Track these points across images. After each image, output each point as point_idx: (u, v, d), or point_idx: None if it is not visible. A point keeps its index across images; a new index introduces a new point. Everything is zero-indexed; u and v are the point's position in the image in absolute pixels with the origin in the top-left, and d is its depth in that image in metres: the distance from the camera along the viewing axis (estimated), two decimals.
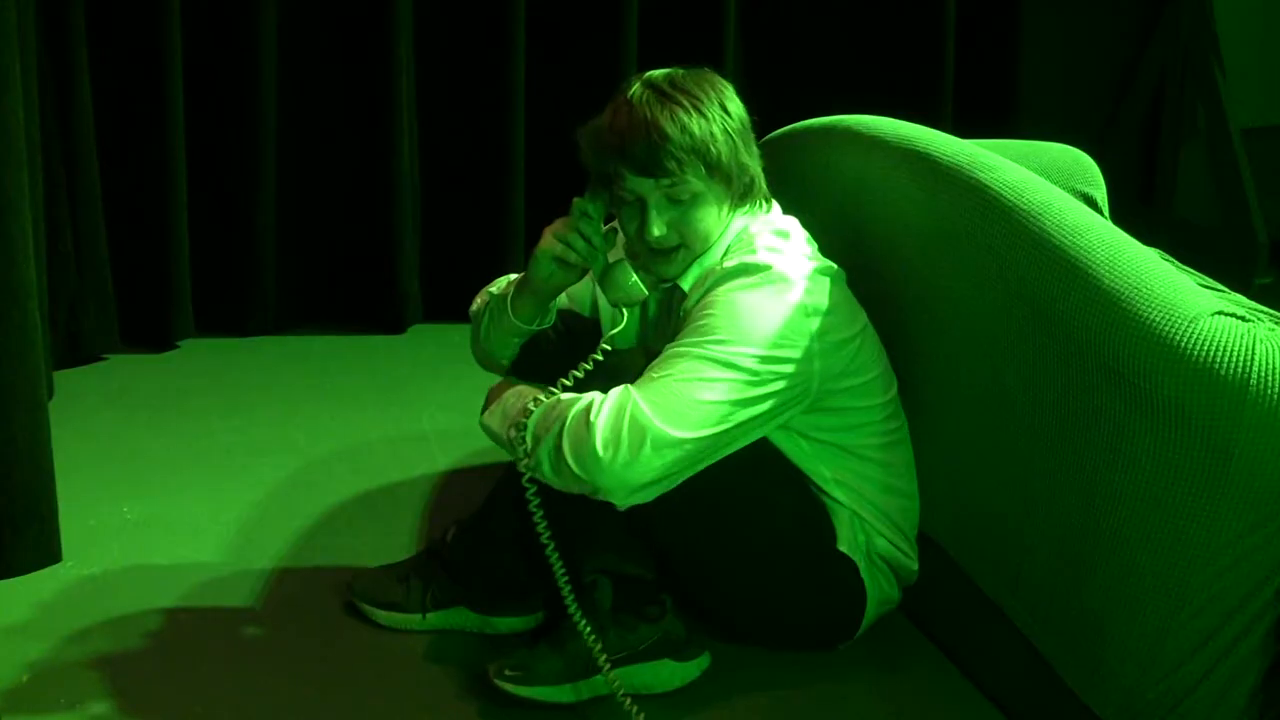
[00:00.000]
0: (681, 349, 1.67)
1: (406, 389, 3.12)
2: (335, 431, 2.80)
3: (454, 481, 2.53)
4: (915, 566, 1.91)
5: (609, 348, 1.72)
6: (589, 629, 1.67)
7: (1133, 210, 3.68)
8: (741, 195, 1.80)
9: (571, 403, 1.64)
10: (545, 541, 1.67)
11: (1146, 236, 1.71)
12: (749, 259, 1.72)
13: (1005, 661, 1.78)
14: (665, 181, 1.73)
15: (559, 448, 1.62)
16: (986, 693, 1.81)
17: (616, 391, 1.64)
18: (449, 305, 3.60)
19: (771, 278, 1.70)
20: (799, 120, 2.38)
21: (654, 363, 1.68)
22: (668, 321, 1.88)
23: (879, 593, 1.86)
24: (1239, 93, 3.97)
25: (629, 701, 1.66)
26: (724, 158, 1.74)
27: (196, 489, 2.49)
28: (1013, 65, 4.05)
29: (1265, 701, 1.48)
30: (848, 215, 2.05)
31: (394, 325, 3.60)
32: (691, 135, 1.71)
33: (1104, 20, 4.20)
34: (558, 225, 1.79)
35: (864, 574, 1.83)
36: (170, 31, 3.20)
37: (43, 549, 2.14)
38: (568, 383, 1.68)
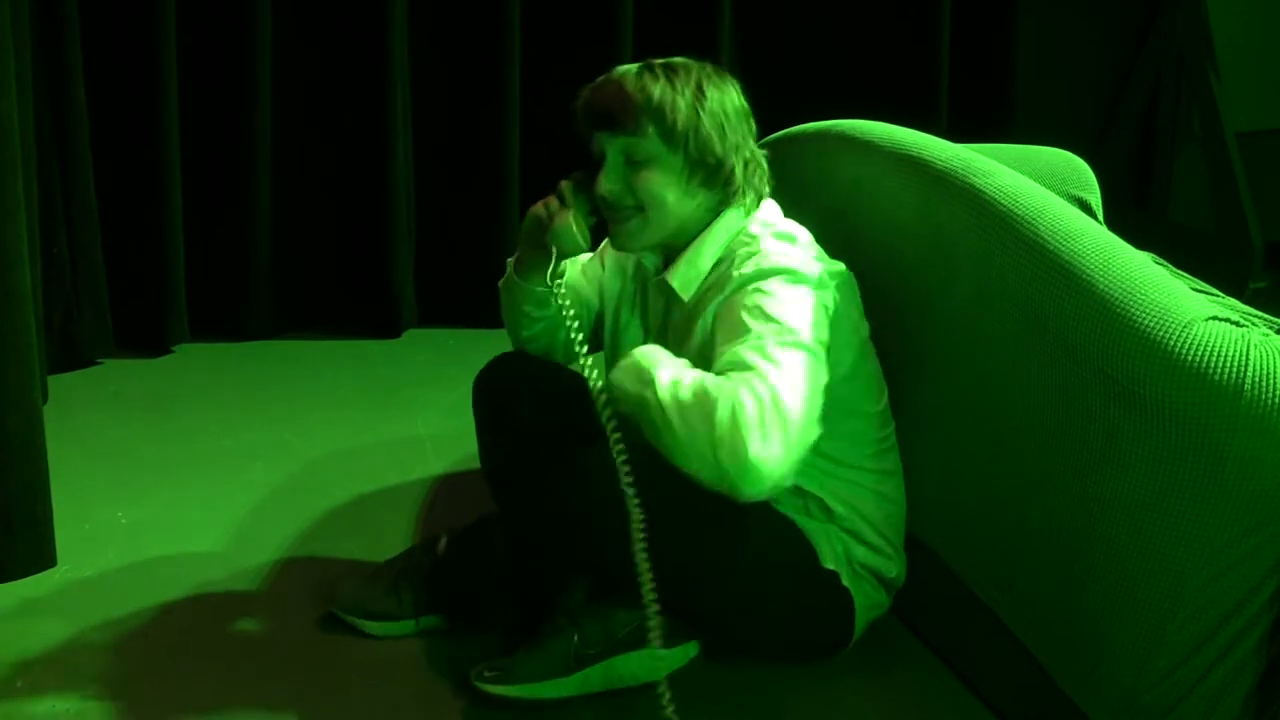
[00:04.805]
0: (766, 344, 1.57)
1: (401, 393, 3.12)
2: (330, 435, 2.80)
3: (448, 485, 2.53)
4: (897, 572, 1.89)
5: (576, 323, 1.73)
6: (654, 603, 1.58)
7: (1127, 215, 3.69)
8: (709, 177, 1.78)
9: (716, 400, 1.52)
10: (632, 509, 1.56)
11: (1141, 241, 1.72)
12: (765, 264, 1.69)
13: (999, 665, 1.77)
14: (621, 137, 1.75)
15: (714, 445, 1.50)
16: (981, 696, 1.81)
17: (756, 388, 1.52)
18: (444, 310, 3.61)
19: (796, 277, 1.68)
20: (794, 125, 2.38)
21: (736, 357, 1.57)
22: (668, 327, 1.87)
23: (866, 599, 1.85)
24: (1234, 97, 3.97)
25: (667, 697, 1.61)
26: (681, 126, 1.74)
27: (191, 493, 2.49)
28: (1008, 69, 4.05)
29: (1260, 705, 1.48)
30: (842, 220, 2.05)
31: (389, 329, 3.60)
32: (650, 97, 1.74)
33: (1099, 24, 4.20)
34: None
35: (848, 583, 1.82)
36: (165, 36, 3.20)
37: (38, 553, 2.14)
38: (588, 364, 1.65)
